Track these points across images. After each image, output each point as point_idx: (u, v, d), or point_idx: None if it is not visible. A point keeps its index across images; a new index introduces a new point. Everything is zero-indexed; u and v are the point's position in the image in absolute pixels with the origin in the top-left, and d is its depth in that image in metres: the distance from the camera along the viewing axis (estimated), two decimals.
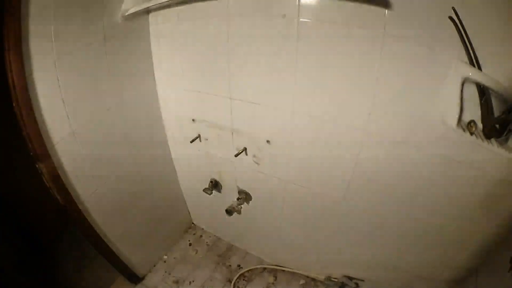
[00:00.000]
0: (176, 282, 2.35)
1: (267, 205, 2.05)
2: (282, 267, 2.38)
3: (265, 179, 1.88)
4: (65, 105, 1.47)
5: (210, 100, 1.77)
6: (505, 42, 1.04)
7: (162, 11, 1.66)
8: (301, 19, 1.29)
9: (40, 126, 1.38)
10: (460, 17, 1.03)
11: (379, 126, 1.37)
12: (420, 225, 1.56)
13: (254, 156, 1.82)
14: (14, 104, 1.29)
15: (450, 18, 1.04)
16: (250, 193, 2.06)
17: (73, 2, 1.38)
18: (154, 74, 1.92)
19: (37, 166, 1.45)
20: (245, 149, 1.82)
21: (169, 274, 2.41)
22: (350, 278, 2.08)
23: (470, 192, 1.34)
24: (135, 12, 1.57)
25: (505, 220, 1.34)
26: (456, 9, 1.03)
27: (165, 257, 2.53)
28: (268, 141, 1.71)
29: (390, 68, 1.22)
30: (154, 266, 2.47)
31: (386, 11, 1.13)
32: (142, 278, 2.38)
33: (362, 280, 2.07)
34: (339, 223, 1.83)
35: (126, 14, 1.57)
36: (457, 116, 1.17)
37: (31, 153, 1.41)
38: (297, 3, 1.27)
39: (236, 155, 1.82)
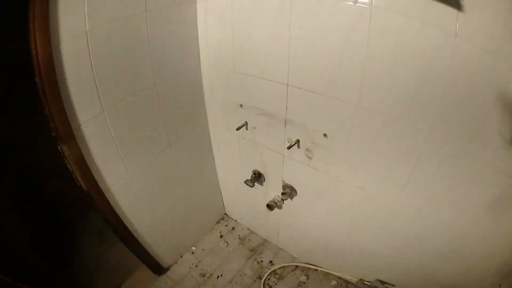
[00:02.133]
0: (203, 275, 2.26)
1: (313, 202, 1.93)
2: (316, 266, 2.29)
3: (315, 175, 1.75)
4: (96, 82, 1.36)
5: (262, 85, 1.64)
6: None
7: None
8: (374, 7, 1.15)
9: (65, 105, 1.27)
10: None
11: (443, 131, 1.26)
12: (465, 239, 1.46)
13: (307, 149, 1.68)
14: (36, 79, 1.18)
15: None
16: (296, 189, 1.94)
17: None
18: (199, 54, 1.81)
19: (59, 147, 1.35)
20: (298, 141, 1.68)
21: (196, 266, 2.33)
22: (383, 283, 1.99)
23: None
24: None
25: None
26: None
27: (193, 248, 2.44)
28: (325, 135, 1.57)
29: (459, 65, 1.11)
30: (181, 257, 2.39)
31: (458, 12, 1.03)
32: (167, 269, 2.30)
33: (393, 286, 1.97)
34: (384, 229, 1.73)
35: None
36: None
37: (53, 134, 1.30)
38: None
39: (289, 147, 1.69)
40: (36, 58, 1.13)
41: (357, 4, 1.18)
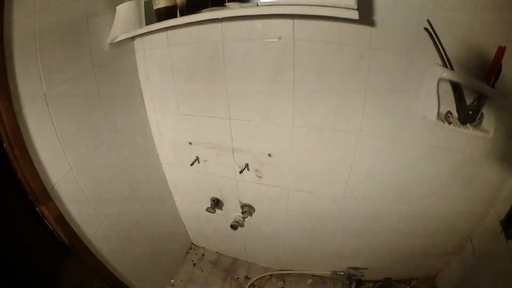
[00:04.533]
0: None
1: (271, 214, 2.11)
2: (289, 270, 2.45)
3: (268, 190, 1.95)
4: (60, 141, 1.43)
5: (207, 123, 1.82)
6: (471, 44, 1.27)
7: (147, 36, 1.69)
8: (296, 40, 1.41)
9: (36, 167, 1.32)
10: (434, 27, 1.22)
11: (371, 127, 1.55)
12: (416, 207, 1.76)
13: (256, 170, 1.88)
14: (5, 145, 1.21)
15: (425, 29, 1.24)
16: (254, 206, 2.12)
17: (58, 33, 1.37)
18: (144, 101, 1.95)
19: (37, 209, 1.38)
20: (247, 165, 1.88)
21: None
22: (355, 269, 2.18)
23: (457, 173, 1.59)
24: (122, 40, 1.60)
25: (489, 190, 1.62)
26: (430, 21, 1.22)
27: (172, 280, 2.51)
28: (269, 155, 1.78)
29: (376, 76, 1.41)
30: None
31: (371, 28, 1.31)
32: None
33: (367, 268, 2.18)
34: (340, 220, 1.95)
35: (114, 41, 1.60)
36: (436, 111, 1.38)
37: (30, 196, 1.34)
38: (292, 25, 1.37)
39: (241, 172, 1.87)
40: (2, 124, 1.17)
41: (281, 40, 1.43)
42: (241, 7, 1.37)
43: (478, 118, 1.35)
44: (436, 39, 1.23)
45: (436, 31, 1.22)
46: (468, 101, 1.34)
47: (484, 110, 1.34)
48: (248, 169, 1.89)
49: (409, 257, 2.06)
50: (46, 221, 1.44)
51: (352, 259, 2.19)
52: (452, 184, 1.63)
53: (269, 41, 1.46)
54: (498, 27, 1.22)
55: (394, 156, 1.61)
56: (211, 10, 1.42)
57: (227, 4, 1.44)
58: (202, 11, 1.44)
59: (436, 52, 1.27)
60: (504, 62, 1.21)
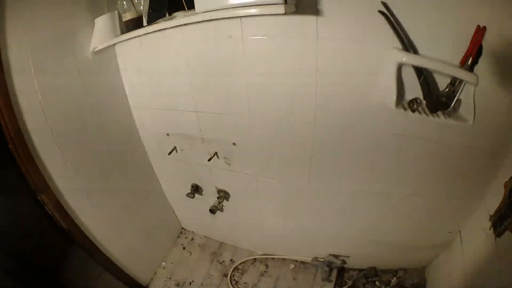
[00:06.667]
0: (178, 284, 2.52)
1: (244, 199, 2.28)
2: (271, 255, 2.56)
3: (238, 177, 2.11)
4: (55, 140, 1.68)
5: (179, 116, 2.00)
6: (440, 22, 1.21)
7: (125, 42, 1.86)
8: (245, 37, 1.53)
9: (36, 162, 1.58)
10: (390, 8, 1.19)
11: (325, 116, 1.61)
12: (392, 199, 1.79)
13: (225, 158, 2.05)
14: (10, 146, 1.47)
15: (380, 11, 1.20)
16: (228, 191, 2.29)
17: (48, 47, 1.61)
18: (127, 98, 2.15)
19: (38, 197, 1.64)
20: (216, 153, 2.05)
21: (170, 278, 2.58)
22: (336, 256, 2.25)
23: (435, 163, 1.55)
24: (103, 48, 1.81)
25: (477, 183, 1.55)
26: (386, 2, 1.19)
27: (163, 263, 2.70)
28: (234, 143, 1.94)
29: (327, 64, 1.44)
30: (155, 273, 2.63)
31: (317, 18, 1.33)
32: (146, 287, 2.55)
33: (348, 256, 2.26)
34: (309, 204, 2.06)
35: (96, 50, 1.80)
36: (394, 97, 1.33)
37: (32, 187, 1.59)
38: (240, 24, 1.50)
39: (209, 160, 2.04)
40: (7, 129, 1.42)
41: (232, 38, 1.55)
42: (185, 15, 1.55)
43: (452, 105, 1.27)
44: (392, 22, 1.19)
45: (394, 12, 1.19)
46: (442, 87, 1.28)
47: (462, 97, 1.26)
48: (218, 157, 2.06)
49: (393, 246, 2.06)
50: (46, 208, 1.68)
51: (331, 246, 2.26)
52: (432, 175, 1.60)
53: (221, 40, 1.60)
54: (476, 2, 1.14)
55: (356, 143, 1.63)
56: (164, 21, 1.62)
57: (174, 14, 1.64)
58: (158, 21, 1.65)
59: (394, 36, 1.22)
60: (486, 43, 1.12)
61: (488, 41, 1.12)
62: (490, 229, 1.40)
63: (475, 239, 1.59)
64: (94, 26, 1.78)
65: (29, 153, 1.54)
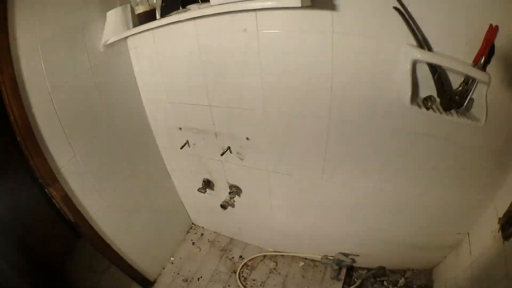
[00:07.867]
0: (186, 280, 2.52)
1: (256, 195, 2.25)
2: (281, 252, 2.55)
3: (250, 172, 2.09)
4: (65, 132, 1.68)
5: (192, 110, 1.99)
6: (453, 20, 1.19)
7: (137, 36, 1.86)
8: (260, 31, 1.51)
9: (45, 155, 1.58)
10: (405, 5, 1.18)
11: (340, 112, 1.59)
12: (403, 198, 1.77)
13: (237, 153, 2.04)
14: (19, 139, 1.47)
15: (395, 8, 1.18)
16: (240, 187, 2.28)
17: (58, 40, 1.60)
18: (139, 92, 2.14)
19: (46, 190, 1.63)
20: (229, 148, 2.04)
21: (178, 274, 2.58)
22: (346, 255, 2.24)
23: (446, 162, 1.54)
24: (115, 41, 1.80)
25: (486, 184, 1.54)
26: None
27: (172, 258, 2.70)
28: (247, 138, 1.93)
29: (342, 59, 1.42)
30: (163, 268, 2.63)
31: (333, 13, 1.32)
32: (154, 282, 2.54)
33: (357, 255, 2.25)
34: (321, 201, 2.03)
35: (107, 43, 1.79)
36: (409, 94, 1.32)
37: (40, 180, 1.59)
38: (255, 18, 1.48)
39: (222, 154, 2.03)
40: (15, 121, 1.42)
41: (246, 32, 1.53)
42: (199, 8, 1.53)
43: (465, 104, 1.26)
44: (407, 18, 1.18)
45: (409, 9, 1.18)
46: (456, 85, 1.27)
47: (475, 96, 1.25)
48: (231, 152, 2.05)
49: (402, 246, 2.05)
50: (54, 201, 1.68)
51: (342, 244, 2.24)
52: (443, 174, 1.58)
53: (236, 33, 1.58)
54: (490, 2, 1.13)
55: (369, 141, 1.62)
56: (178, 13, 1.60)
57: (188, 6, 1.62)
58: (171, 14, 1.63)
59: (409, 32, 1.21)
60: (498, 43, 1.10)
61: (500, 41, 1.11)
62: (498, 232, 1.39)
63: (483, 242, 1.58)
64: (105, 19, 1.77)
65: (37, 145, 1.54)
